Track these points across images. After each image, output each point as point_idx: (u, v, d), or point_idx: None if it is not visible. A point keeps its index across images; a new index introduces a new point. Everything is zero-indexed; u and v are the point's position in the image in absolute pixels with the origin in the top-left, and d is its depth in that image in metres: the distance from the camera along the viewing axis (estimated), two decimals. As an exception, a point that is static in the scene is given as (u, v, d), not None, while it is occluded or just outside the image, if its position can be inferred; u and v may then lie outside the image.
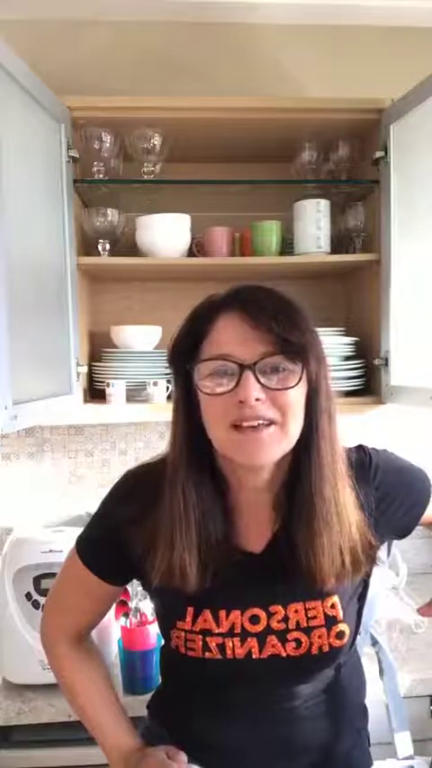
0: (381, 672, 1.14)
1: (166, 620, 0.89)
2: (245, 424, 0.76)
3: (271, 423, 0.76)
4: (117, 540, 0.88)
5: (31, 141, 1.29)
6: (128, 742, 0.92)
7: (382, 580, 1.20)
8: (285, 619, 0.85)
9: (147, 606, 1.32)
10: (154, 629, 1.30)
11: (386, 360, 1.52)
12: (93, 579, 0.93)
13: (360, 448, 0.92)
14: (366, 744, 1.00)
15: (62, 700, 1.28)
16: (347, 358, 1.60)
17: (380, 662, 1.14)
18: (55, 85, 1.37)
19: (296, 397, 0.77)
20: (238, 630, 0.85)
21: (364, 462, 0.89)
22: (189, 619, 0.85)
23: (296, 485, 0.82)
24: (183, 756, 0.88)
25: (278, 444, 0.78)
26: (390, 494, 0.89)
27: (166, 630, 0.90)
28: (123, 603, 1.33)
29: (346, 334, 1.63)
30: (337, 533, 0.81)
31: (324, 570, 0.80)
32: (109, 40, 1.69)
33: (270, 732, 0.89)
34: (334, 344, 1.57)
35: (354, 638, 0.91)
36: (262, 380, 0.75)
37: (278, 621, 0.85)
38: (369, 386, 1.62)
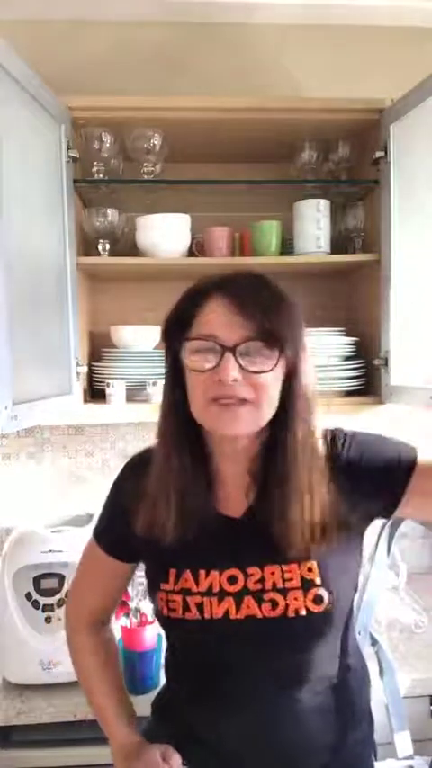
0: (381, 672, 1.14)
1: (153, 585, 0.94)
2: (222, 400, 0.83)
3: (245, 401, 0.83)
4: (120, 508, 0.97)
5: (31, 141, 1.29)
6: (129, 735, 0.97)
7: (382, 580, 1.20)
8: (262, 579, 0.88)
9: (147, 606, 1.32)
10: (154, 630, 1.30)
11: (386, 360, 1.51)
12: (104, 557, 1.01)
13: (337, 429, 0.94)
14: (371, 753, 1.00)
15: (62, 700, 1.29)
16: (347, 358, 1.60)
17: (380, 662, 1.14)
18: (55, 85, 1.37)
19: (270, 379, 0.84)
20: (216, 590, 0.89)
21: (335, 438, 0.92)
22: (171, 580, 0.91)
23: (273, 457, 0.88)
24: (177, 759, 0.89)
25: (251, 419, 0.84)
26: (361, 461, 0.90)
27: (153, 596, 0.95)
28: (123, 603, 1.33)
29: (346, 334, 1.63)
30: (308, 505, 0.85)
31: (297, 537, 0.85)
32: (109, 40, 1.69)
33: (272, 734, 0.89)
34: (334, 344, 1.57)
35: (342, 614, 0.91)
36: (241, 362, 0.82)
37: (255, 582, 0.88)
38: (369, 386, 1.62)
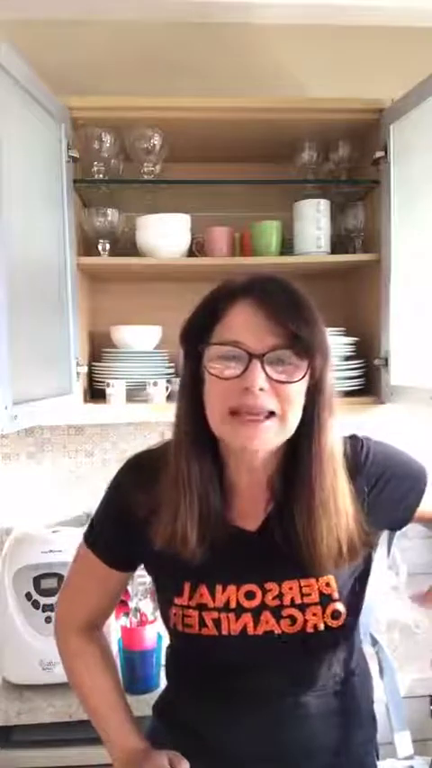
0: (381, 672, 1.13)
1: (165, 598, 0.91)
2: (246, 414, 0.78)
3: (271, 414, 0.78)
4: (120, 511, 0.91)
5: (31, 141, 1.29)
6: (132, 741, 0.93)
7: (382, 580, 1.20)
8: (280, 595, 0.86)
9: (147, 606, 1.32)
10: (154, 629, 1.31)
11: (386, 360, 1.51)
12: (98, 564, 0.95)
13: (354, 437, 0.93)
14: (374, 754, 0.99)
15: (62, 700, 1.29)
16: (347, 358, 1.60)
17: (380, 662, 1.14)
18: (55, 85, 1.37)
19: (298, 390, 0.80)
20: (233, 606, 0.86)
21: (356, 450, 0.91)
22: (186, 594, 0.87)
23: (295, 472, 0.84)
24: (185, 766, 0.87)
25: (275, 434, 0.80)
26: (380, 480, 0.90)
27: (165, 610, 0.91)
28: (123, 603, 1.33)
29: (346, 334, 1.62)
30: (335, 522, 0.83)
31: (322, 556, 0.83)
32: (109, 40, 1.69)
33: (277, 737, 0.89)
34: (334, 344, 1.57)
35: (354, 624, 0.92)
36: (268, 371, 0.77)
37: (273, 598, 0.86)
38: (369, 386, 1.62)
